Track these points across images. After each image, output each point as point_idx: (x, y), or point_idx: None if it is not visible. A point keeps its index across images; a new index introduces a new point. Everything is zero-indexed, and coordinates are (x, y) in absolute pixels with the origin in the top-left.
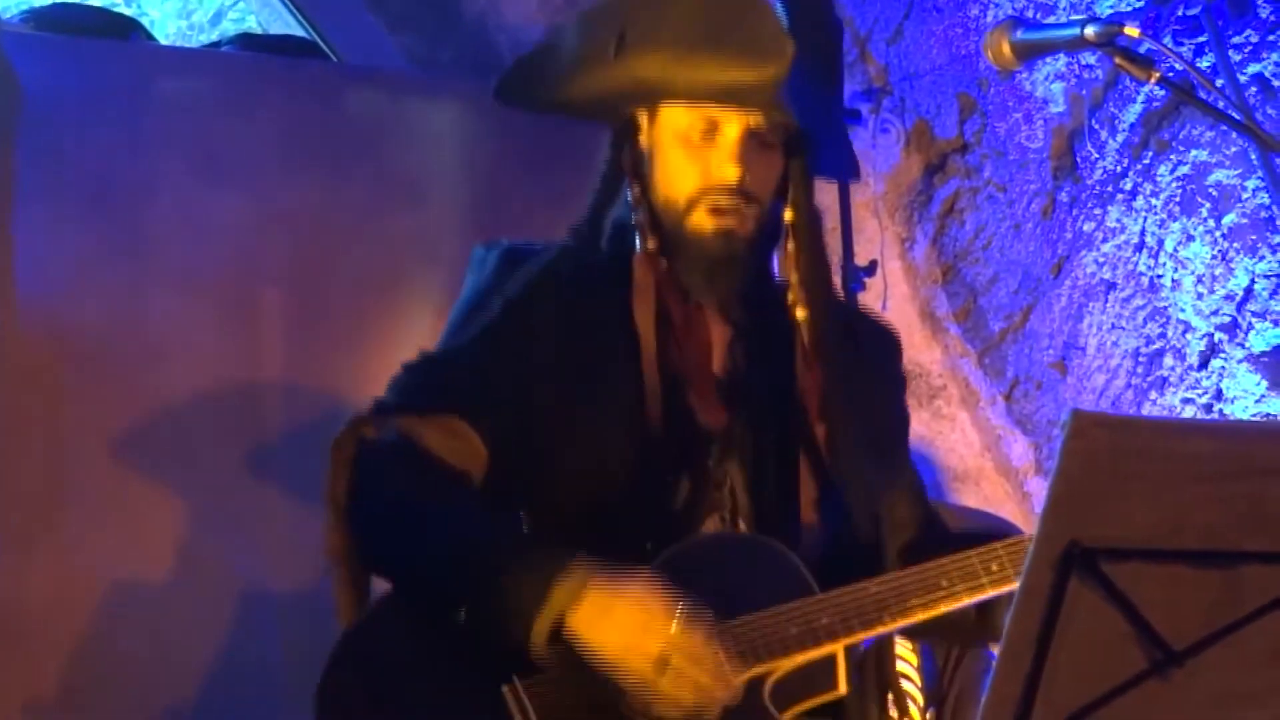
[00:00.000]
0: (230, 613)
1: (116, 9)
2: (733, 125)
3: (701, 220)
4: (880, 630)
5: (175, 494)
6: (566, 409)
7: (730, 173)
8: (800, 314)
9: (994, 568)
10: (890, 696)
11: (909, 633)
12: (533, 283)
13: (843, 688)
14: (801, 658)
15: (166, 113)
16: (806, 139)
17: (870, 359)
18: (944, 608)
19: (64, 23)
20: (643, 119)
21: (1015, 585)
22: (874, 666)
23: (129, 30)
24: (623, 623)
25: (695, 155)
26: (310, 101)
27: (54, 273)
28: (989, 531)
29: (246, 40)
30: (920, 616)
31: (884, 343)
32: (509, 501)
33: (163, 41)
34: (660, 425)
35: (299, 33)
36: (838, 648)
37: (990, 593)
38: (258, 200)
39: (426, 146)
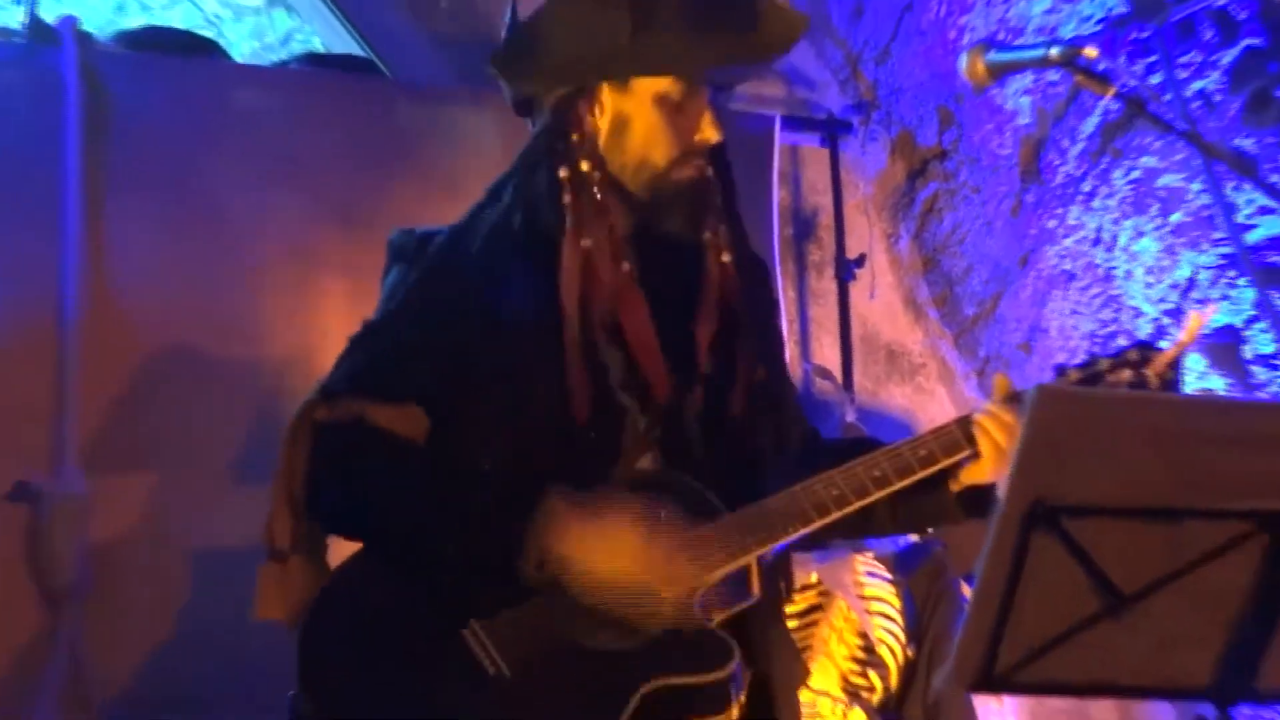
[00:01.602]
0: None
1: (197, 31)
2: (703, 92)
3: (683, 172)
4: (787, 538)
5: (240, 454)
6: (494, 382)
7: (712, 134)
8: (725, 257)
9: (876, 474)
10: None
11: (819, 533)
12: (448, 255)
13: (756, 592)
14: (725, 570)
15: (240, 122)
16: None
17: (758, 287)
18: (836, 514)
19: (151, 42)
20: (605, 92)
21: (896, 486)
22: (779, 572)
23: (209, 50)
24: (614, 543)
25: (674, 119)
26: (365, 112)
27: (140, 260)
28: (864, 442)
29: (311, 59)
30: (819, 523)
31: (762, 271)
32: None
33: (238, 60)
34: (584, 391)
35: (357, 52)
36: (752, 558)
37: (876, 496)
38: (317, 199)
39: (466, 151)
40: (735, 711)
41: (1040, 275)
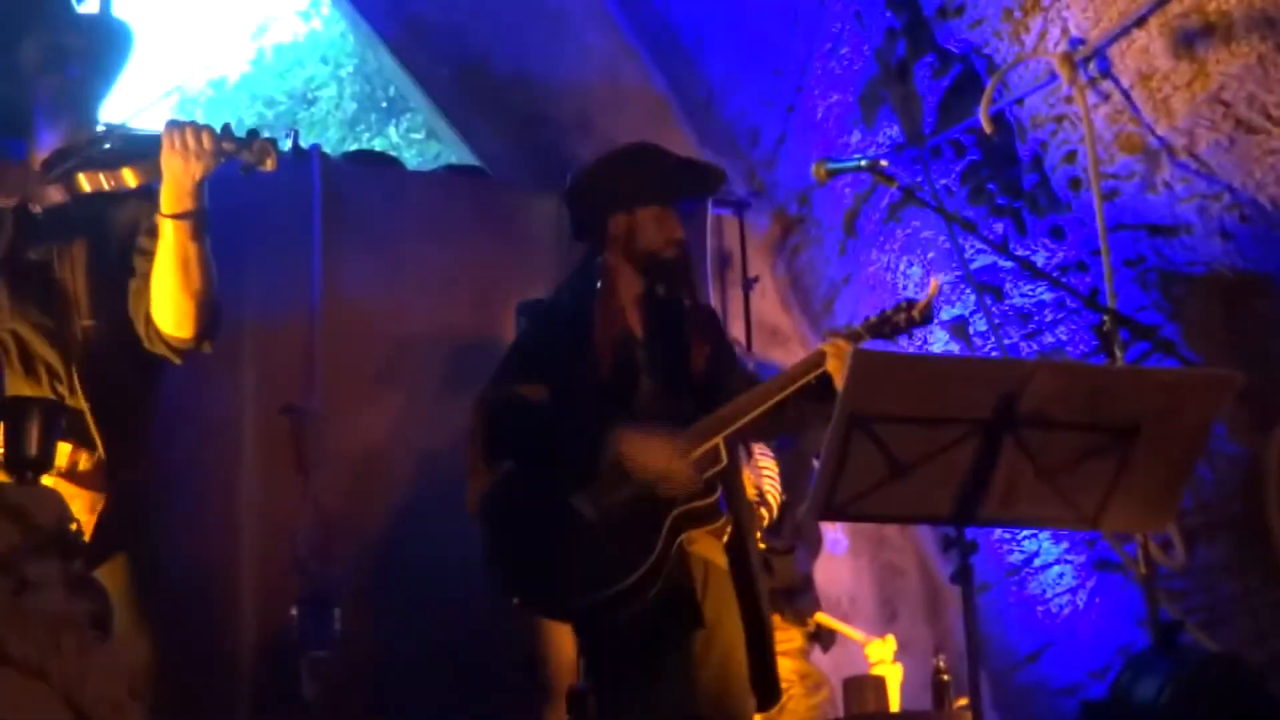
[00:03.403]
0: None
1: (388, 152)
2: (676, 210)
3: (667, 251)
4: (734, 427)
5: (416, 396)
6: (565, 376)
7: (679, 233)
8: (688, 302)
9: (773, 387)
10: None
11: (746, 429)
12: (542, 321)
13: (725, 460)
14: (703, 449)
15: (413, 206)
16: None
17: (711, 318)
18: (757, 411)
19: (363, 159)
20: (622, 214)
21: (787, 391)
22: (738, 443)
23: (394, 163)
24: (651, 447)
25: (661, 227)
26: (479, 199)
27: (357, 288)
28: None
29: (450, 168)
30: (749, 416)
31: (711, 311)
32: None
33: (410, 169)
34: (609, 377)
35: (475, 163)
36: (718, 440)
37: (777, 398)
38: (452, 251)
39: (535, 224)
40: (724, 524)
41: (857, 288)
